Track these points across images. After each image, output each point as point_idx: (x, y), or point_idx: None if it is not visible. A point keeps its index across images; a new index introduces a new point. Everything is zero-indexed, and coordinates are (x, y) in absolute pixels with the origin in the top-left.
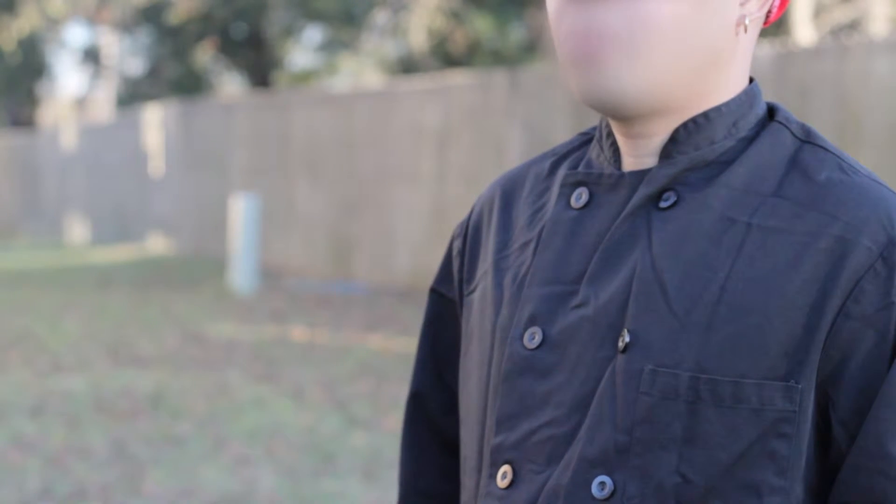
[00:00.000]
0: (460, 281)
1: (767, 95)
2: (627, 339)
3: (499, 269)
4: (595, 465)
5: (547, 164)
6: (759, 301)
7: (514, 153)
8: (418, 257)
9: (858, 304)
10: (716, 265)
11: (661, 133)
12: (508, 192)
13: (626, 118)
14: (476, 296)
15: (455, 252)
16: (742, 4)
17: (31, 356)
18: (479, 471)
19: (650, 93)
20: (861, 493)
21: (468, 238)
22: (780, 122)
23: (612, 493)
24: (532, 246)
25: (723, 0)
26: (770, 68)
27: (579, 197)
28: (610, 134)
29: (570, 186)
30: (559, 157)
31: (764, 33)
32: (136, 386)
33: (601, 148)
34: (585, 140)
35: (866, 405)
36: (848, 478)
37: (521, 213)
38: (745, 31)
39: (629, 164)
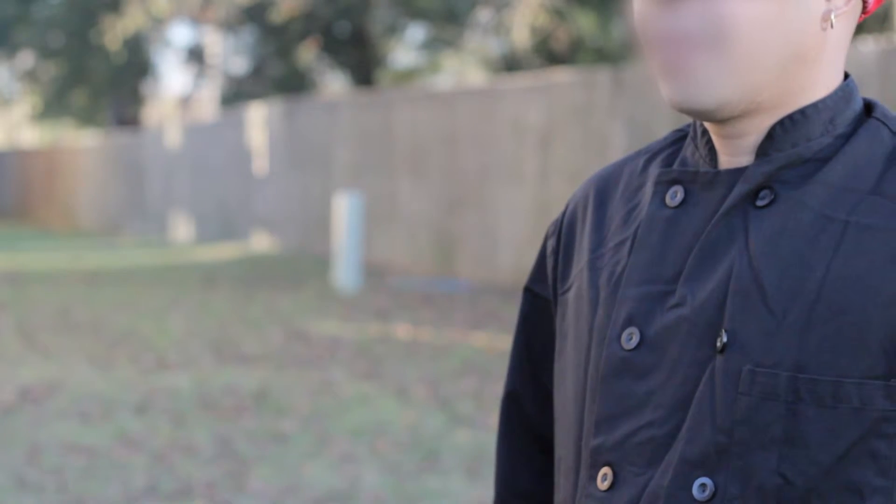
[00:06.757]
0: (555, 280)
1: (872, 92)
2: (725, 339)
3: (594, 269)
4: (695, 467)
5: (641, 162)
6: (857, 299)
7: (618, 151)
8: (521, 255)
9: None
10: (813, 263)
11: (754, 132)
12: (602, 190)
13: (718, 121)
14: (571, 295)
15: (549, 251)
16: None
17: (136, 354)
18: (577, 471)
19: (738, 95)
20: None
21: (562, 236)
22: (878, 119)
23: (713, 495)
24: (628, 245)
25: None
26: (875, 65)
27: (674, 195)
28: (705, 132)
29: (665, 184)
30: (653, 155)
31: (869, 29)
32: (241, 383)
33: (696, 146)
34: (679, 137)
35: None
36: None
37: (616, 211)
38: (832, 26)
39: (725, 162)
